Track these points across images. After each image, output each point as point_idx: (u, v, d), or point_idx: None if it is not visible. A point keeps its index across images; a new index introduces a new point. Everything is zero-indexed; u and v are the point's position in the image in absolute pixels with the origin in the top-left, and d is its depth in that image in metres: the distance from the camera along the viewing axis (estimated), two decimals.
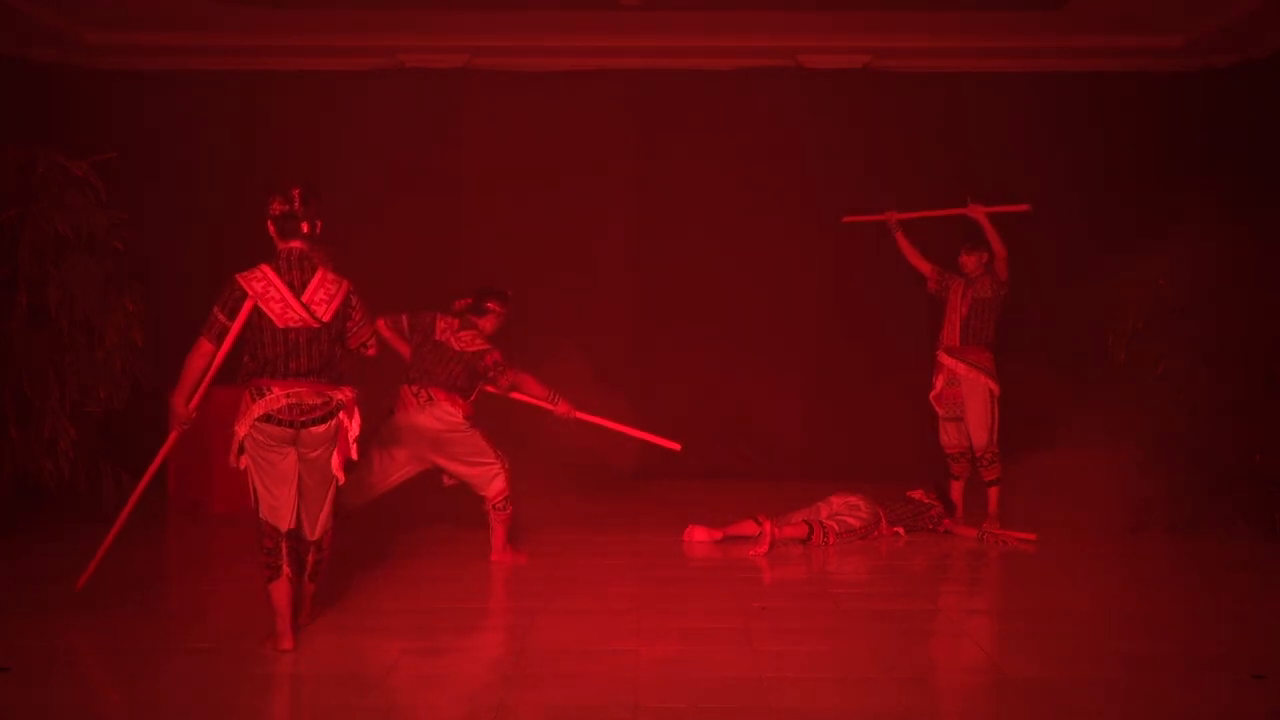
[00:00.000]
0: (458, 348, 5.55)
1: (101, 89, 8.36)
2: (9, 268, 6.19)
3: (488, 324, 5.70)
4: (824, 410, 8.61)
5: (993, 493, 6.57)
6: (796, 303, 8.64)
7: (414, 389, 5.47)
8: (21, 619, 4.42)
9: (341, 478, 4.25)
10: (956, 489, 6.72)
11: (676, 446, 6.11)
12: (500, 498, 5.53)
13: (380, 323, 5.62)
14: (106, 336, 6.37)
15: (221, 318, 4.14)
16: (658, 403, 8.09)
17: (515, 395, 5.73)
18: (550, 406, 5.72)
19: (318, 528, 4.25)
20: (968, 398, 6.56)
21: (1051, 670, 3.80)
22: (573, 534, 6.32)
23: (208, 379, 4.29)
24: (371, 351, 4.39)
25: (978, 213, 6.53)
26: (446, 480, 5.86)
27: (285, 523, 4.13)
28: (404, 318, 5.66)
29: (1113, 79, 8.53)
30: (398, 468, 5.54)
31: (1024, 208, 6.55)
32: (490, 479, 5.51)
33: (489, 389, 5.66)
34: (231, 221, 8.48)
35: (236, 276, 4.15)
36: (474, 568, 5.46)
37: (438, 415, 5.42)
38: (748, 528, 6.04)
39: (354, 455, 4.22)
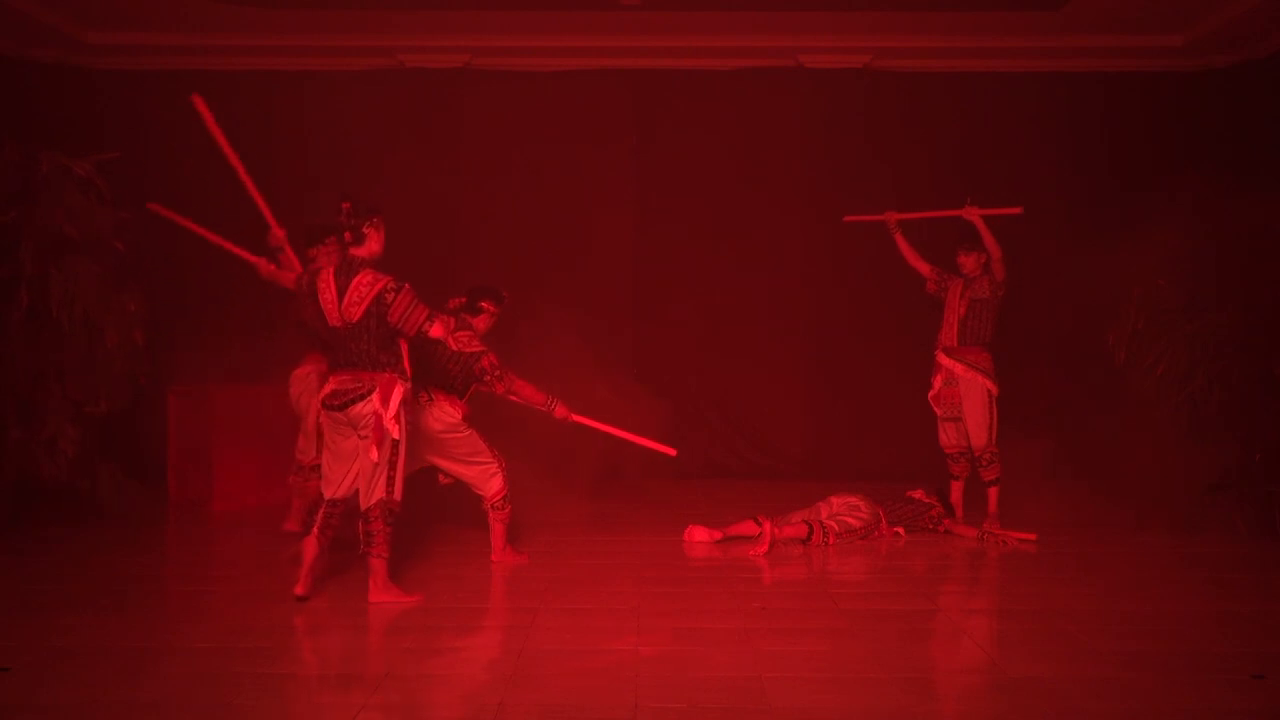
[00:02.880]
0: (454, 347, 5.55)
1: (101, 89, 8.37)
2: (10, 268, 6.19)
3: (482, 323, 5.70)
4: (824, 410, 8.62)
5: (992, 493, 6.57)
6: (797, 303, 8.65)
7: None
8: (21, 619, 4.42)
9: (375, 455, 4.61)
10: (956, 489, 6.73)
11: (672, 452, 6.12)
12: (498, 497, 5.53)
13: None
14: (107, 336, 6.37)
15: (303, 283, 4.85)
16: (658, 403, 8.09)
17: (512, 398, 5.73)
18: (547, 410, 5.73)
19: (364, 500, 4.70)
20: (966, 398, 6.56)
21: (1051, 670, 3.80)
22: (573, 534, 6.32)
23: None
24: (433, 334, 4.71)
25: (973, 214, 6.53)
26: (443, 479, 5.86)
27: (329, 491, 4.81)
28: None
29: (1112, 79, 8.54)
30: None
31: (1017, 210, 6.55)
32: (488, 478, 5.52)
33: (483, 389, 5.67)
34: (231, 221, 8.48)
35: (318, 270, 4.82)
36: (474, 568, 5.46)
37: (436, 415, 5.42)
38: (748, 528, 6.05)
39: (394, 434, 4.62)
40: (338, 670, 3.90)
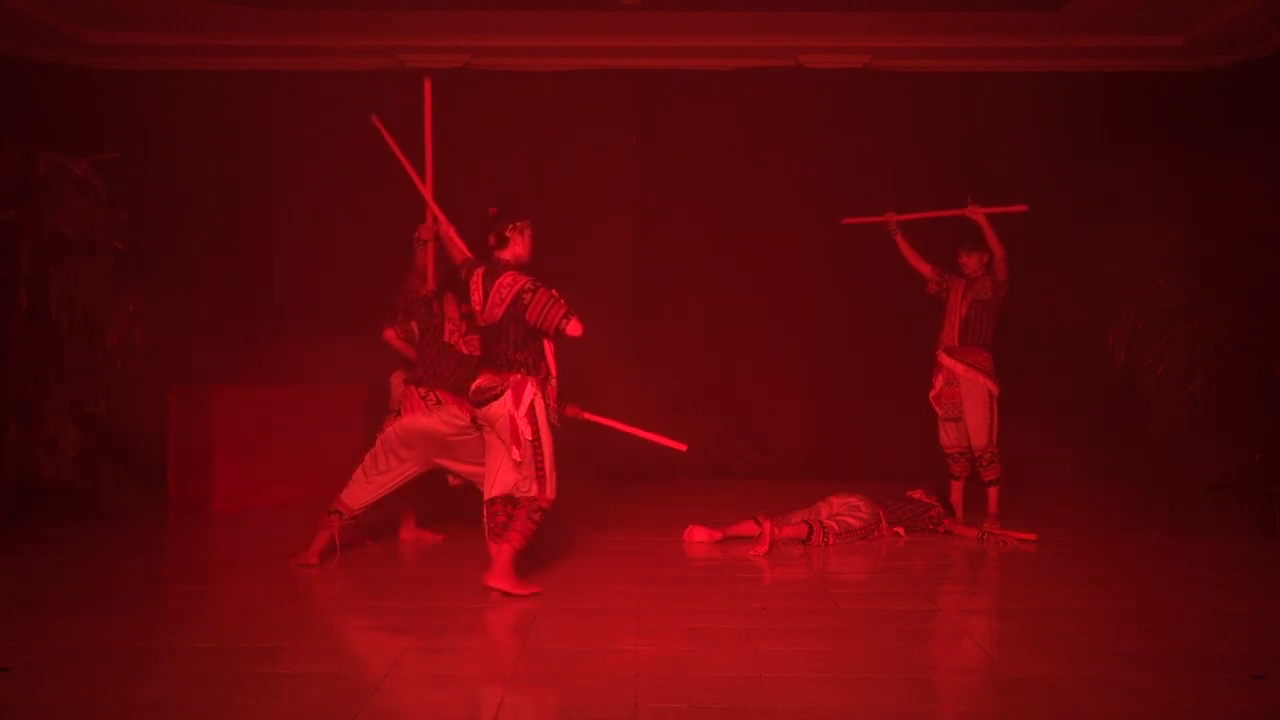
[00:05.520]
0: (465, 350, 5.56)
1: (101, 89, 8.37)
2: (9, 268, 6.19)
3: None
4: (824, 410, 8.62)
5: (992, 493, 6.57)
6: (797, 303, 8.65)
7: (422, 391, 5.47)
8: (21, 619, 4.42)
9: (516, 454, 4.74)
10: (956, 489, 6.73)
11: (682, 447, 6.10)
12: None
13: (389, 333, 5.70)
14: (107, 336, 6.37)
15: (463, 274, 5.10)
16: (658, 403, 8.08)
17: None
18: (557, 407, 5.73)
19: (487, 490, 4.88)
20: (966, 398, 6.56)
21: (1051, 670, 3.80)
22: (573, 534, 6.32)
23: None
24: (570, 332, 4.75)
25: (976, 213, 6.53)
26: (452, 480, 5.87)
27: (485, 493, 4.91)
28: (414, 324, 5.69)
29: (1112, 79, 8.54)
30: (404, 468, 5.53)
31: (1021, 208, 6.54)
32: None
33: None
34: (232, 221, 8.52)
35: (475, 267, 4.99)
36: (474, 568, 5.45)
37: (445, 419, 5.42)
38: (748, 528, 6.04)
39: (526, 435, 4.72)
40: (338, 670, 3.90)
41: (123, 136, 7.83)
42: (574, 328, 4.75)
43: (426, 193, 5.67)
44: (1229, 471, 6.36)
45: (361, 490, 5.44)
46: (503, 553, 4.79)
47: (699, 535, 6.13)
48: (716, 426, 8.69)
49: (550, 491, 4.83)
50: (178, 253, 8.17)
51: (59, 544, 5.90)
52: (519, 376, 4.77)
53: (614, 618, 4.52)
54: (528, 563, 5.44)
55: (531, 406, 4.76)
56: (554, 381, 4.89)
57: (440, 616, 4.53)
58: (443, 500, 6.23)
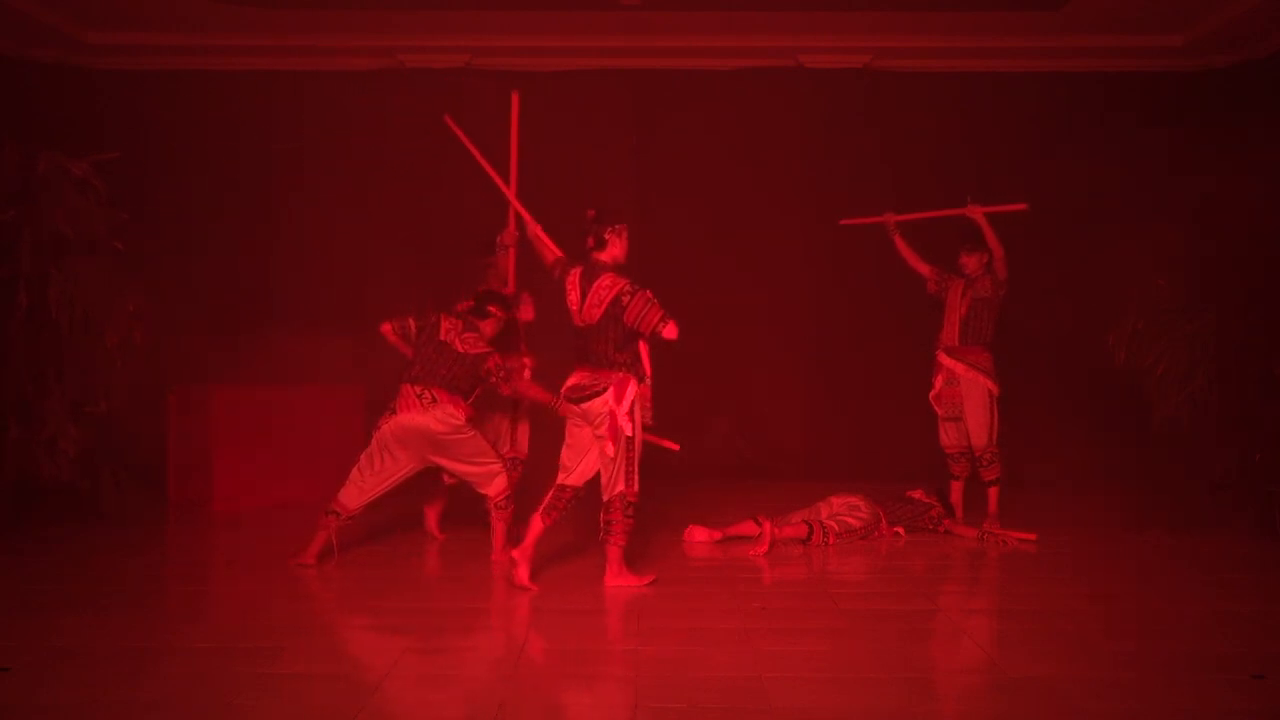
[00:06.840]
0: (461, 349, 5.56)
1: (101, 89, 8.37)
2: (9, 268, 6.19)
3: (489, 327, 5.71)
4: (824, 410, 8.62)
5: (992, 493, 6.56)
6: (797, 303, 8.65)
7: (417, 389, 5.47)
8: (21, 619, 4.42)
9: (610, 450, 4.85)
10: (956, 489, 6.72)
11: (675, 446, 6.09)
12: (501, 496, 5.54)
13: (385, 327, 5.70)
14: (107, 337, 6.38)
15: (555, 274, 5.18)
16: (657, 403, 8.06)
17: (518, 397, 5.75)
18: (554, 406, 5.73)
19: (606, 492, 4.94)
20: (967, 398, 6.55)
21: (1051, 670, 3.80)
22: (573, 534, 6.32)
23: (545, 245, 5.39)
24: (666, 335, 4.83)
25: (976, 213, 6.52)
26: (447, 479, 5.86)
27: (562, 477, 5.02)
28: (410, 320, 5.68)
29: (1112, 79, 8.54)
30: (399, 467, 5.53)
31: (1021, 206, 6.53)
32: (491, 477, 5.52)
33: (490, 388, 5.67)
34: (231, 221, 8.52)
35: (570, 267, 5.07)
36: (474, 568, 5.46)
37: (440, 417, 5.42)
38: (748, 528, 6.05)
39: (626, 431, 4.85)
40: (338, 670, 3.90)
41: (123, 136, 7.83)
42: (670, 330, 4.84)
43: (511, 195, 5.72)
44: (1229, 471, 6.37)
45: (358, 490, 5.44)
46: (613, 555, 4.98)
47: (699, 535, 6.13)
48: (716, 426, 8.69)
49: (635, 486, 4.95)
50: (178, 253, 8.17)
51: (59, 544, 5.91)
52: (621, 375, 4.87)
53: (614, 618, 4.52)
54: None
55: (632, 404, 4.87)
56: (649, 381, 4.99)
57: (440, 616, 4.53)
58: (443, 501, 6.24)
